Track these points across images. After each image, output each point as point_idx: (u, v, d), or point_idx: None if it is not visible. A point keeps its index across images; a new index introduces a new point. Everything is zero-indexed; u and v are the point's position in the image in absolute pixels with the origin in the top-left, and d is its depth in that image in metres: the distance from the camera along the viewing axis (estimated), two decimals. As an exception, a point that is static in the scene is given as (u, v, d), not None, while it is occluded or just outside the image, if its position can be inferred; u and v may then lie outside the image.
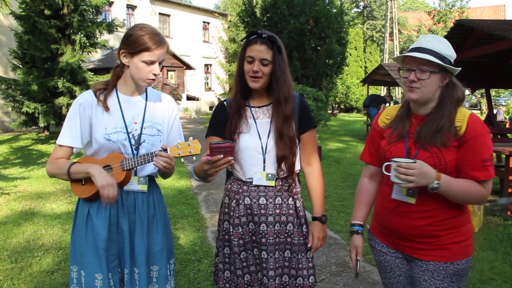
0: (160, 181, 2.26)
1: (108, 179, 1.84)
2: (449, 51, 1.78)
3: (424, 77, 1.74)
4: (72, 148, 2.00)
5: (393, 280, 2.02)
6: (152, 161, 1.91)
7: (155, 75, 1.96)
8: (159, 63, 1.97)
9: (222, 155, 1.70)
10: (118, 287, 2.02)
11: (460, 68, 1.78)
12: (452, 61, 1.79)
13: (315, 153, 2.17)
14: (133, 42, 1.91)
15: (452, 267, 1.81)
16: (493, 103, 9.46)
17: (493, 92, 21.77)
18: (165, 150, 1.89)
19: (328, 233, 4.98)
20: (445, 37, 6.84)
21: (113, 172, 1.95)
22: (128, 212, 2.02)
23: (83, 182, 1.96)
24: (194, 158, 1.91)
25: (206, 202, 6.35)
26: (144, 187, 2.05)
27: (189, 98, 25.01)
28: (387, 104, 14.24)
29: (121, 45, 1.97)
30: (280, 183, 2.08)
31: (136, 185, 2.03)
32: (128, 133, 2.01)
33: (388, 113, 2.02)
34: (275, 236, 2.05)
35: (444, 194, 1.73)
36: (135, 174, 2.04)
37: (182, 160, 1.92)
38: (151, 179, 2.13)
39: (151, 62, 1.93)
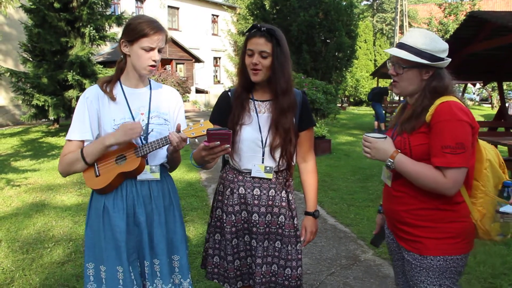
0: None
1: (125, 127, 1.89)
2: (430, 45, 1.79)
3: (400, 71, 1.85)
4: (83, 142, 2.00)
5: (395, 263, 2.12)
6: (166, 144, 1.93)
7: (155, 61, 1.98)
8: (159, 51, 2.00)
9: (219, 142, 1.74)
10: (139, 281, 2.02)
11: (441, 62, 1.80)
12: (437, 54, 1.80)
13: (311, 150, 2.26)
14: (132, 30, 1.95)
15: (425, 261, 1.81)
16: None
17: (504, 86, 21.49)
18: (178, 131, 1.92)
19: (338, 226, 4.98)
20: (457, 29, 6.76)
21: (127, 160, 1.96)
22: (144, 202, 2.02)
23: (98, 174, 1.96)
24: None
25: (215, 195, 6.33)
26: (156, 175, 2.06)
27: (198, 91, 25.04)
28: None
29: (122, 35, 2.01)
30: (276, 176, 2.14)
31: (148, 174, 2.04)
32: None
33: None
34: (265, 226, 2.11)
35: (402, 174, 1.80)
36: (147, 163, 2.05)
37: (196, 140, 1.94)
38: (163, 168, 2.14)
39: (150, 49, 1.96)
